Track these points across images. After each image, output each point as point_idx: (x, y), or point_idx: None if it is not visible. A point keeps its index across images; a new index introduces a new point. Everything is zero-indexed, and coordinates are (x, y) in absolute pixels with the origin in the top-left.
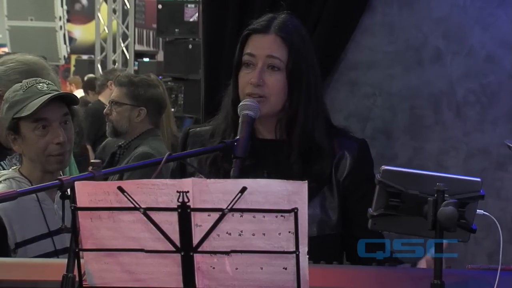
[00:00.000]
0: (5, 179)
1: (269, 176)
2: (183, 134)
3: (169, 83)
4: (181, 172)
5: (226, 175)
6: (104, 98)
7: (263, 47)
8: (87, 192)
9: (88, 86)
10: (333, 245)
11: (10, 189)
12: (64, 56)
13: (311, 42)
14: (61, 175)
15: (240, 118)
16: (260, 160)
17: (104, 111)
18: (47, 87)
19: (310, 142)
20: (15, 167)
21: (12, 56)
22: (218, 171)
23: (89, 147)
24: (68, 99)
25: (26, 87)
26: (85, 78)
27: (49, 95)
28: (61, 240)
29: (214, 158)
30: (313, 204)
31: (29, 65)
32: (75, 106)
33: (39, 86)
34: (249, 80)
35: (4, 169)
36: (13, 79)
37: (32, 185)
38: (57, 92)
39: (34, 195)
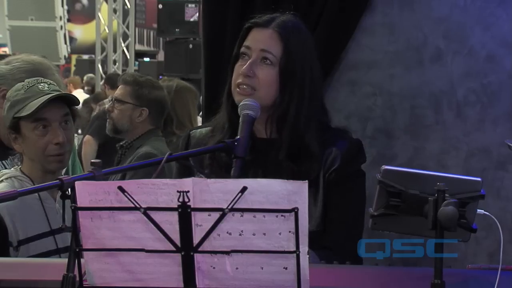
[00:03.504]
0: (6, 178)
1: (264, 175)
2: (184, 136)
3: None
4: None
5: (227, 175)
6: None
7: (259, 41)
8: (87, 191)
9: (108, 82)
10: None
11: (12, 187)
12: (65, 56)
13: (313, 45)
14: (62, 175)
15: (240, 118)
16: (255, 159)
17: (106, 107)
18: (48, 87)
19: (300, 143)
20: (16, 166)
21: (17, 56)
22: (219, 171)
23: (95, 142)
24: (68, 100)
25: (27, 86)
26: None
27: (49, 96)
28: (63, 239)
29: (214, 159)
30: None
31: (34, 65)
32: (75, 107)
33: (40, 86)
34: (240, 71)
35: (6, 168)
36: (18, 78)
37: (33, 183)
38: (57, 93)
39: (36, 194)
